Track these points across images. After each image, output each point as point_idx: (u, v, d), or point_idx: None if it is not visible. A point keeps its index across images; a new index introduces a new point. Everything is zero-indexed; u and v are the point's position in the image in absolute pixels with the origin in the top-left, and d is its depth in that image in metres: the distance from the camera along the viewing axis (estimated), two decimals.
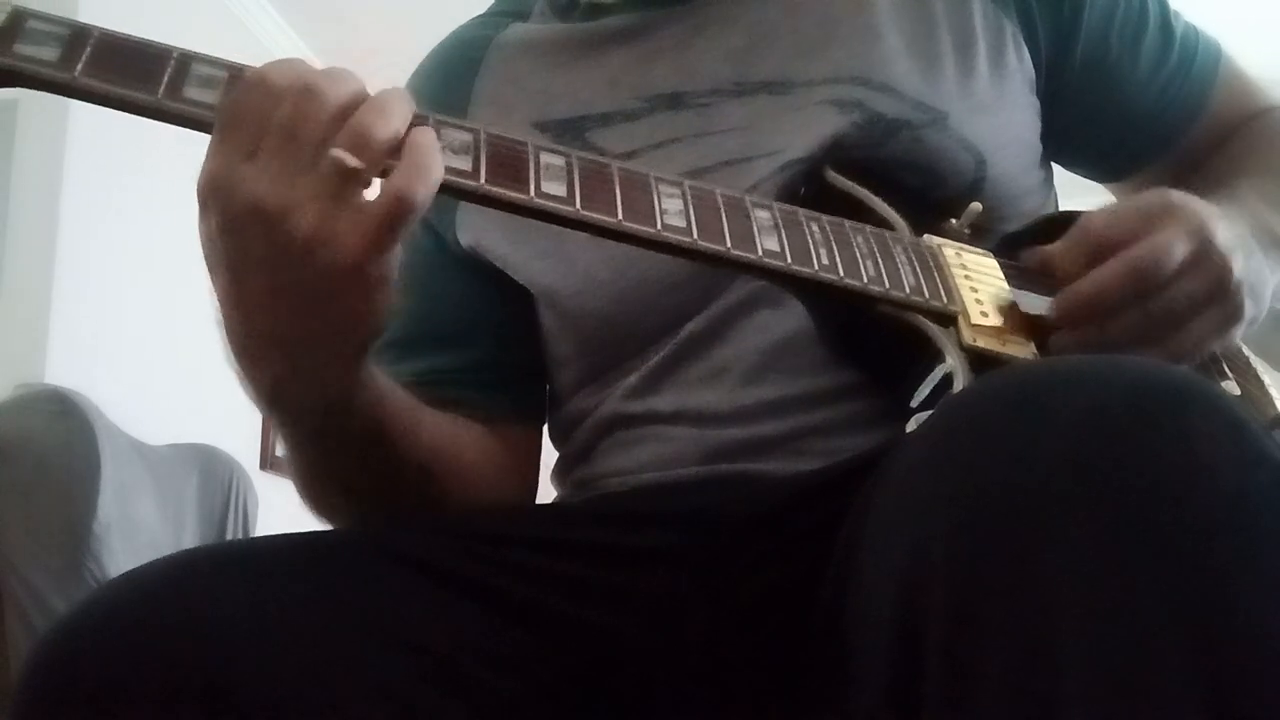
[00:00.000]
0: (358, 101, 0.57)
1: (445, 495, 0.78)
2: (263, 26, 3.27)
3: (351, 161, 0.55)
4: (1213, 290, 0.69)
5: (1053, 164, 0.91)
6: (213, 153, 0.57)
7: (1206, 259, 0.68)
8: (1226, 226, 0.70)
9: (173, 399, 2.65)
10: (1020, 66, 0.83)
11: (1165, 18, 0.89)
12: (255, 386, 0.64)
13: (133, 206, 2.67)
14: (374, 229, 0.56)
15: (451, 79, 0.88)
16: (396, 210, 0.56)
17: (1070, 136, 0.88)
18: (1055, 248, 0.71)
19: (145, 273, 2.69)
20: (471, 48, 0.90)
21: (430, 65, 0.91)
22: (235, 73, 0.59)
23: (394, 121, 0.57)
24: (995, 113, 0.81)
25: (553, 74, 0.86)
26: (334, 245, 0.56)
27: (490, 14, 0.94)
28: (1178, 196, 0.70)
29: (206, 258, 0.60)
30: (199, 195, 0.58)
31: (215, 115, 0.57)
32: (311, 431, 0.68)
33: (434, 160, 0.57)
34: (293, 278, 0.57)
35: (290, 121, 0.56)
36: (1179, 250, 0.67)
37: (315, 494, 0.76)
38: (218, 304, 0.61)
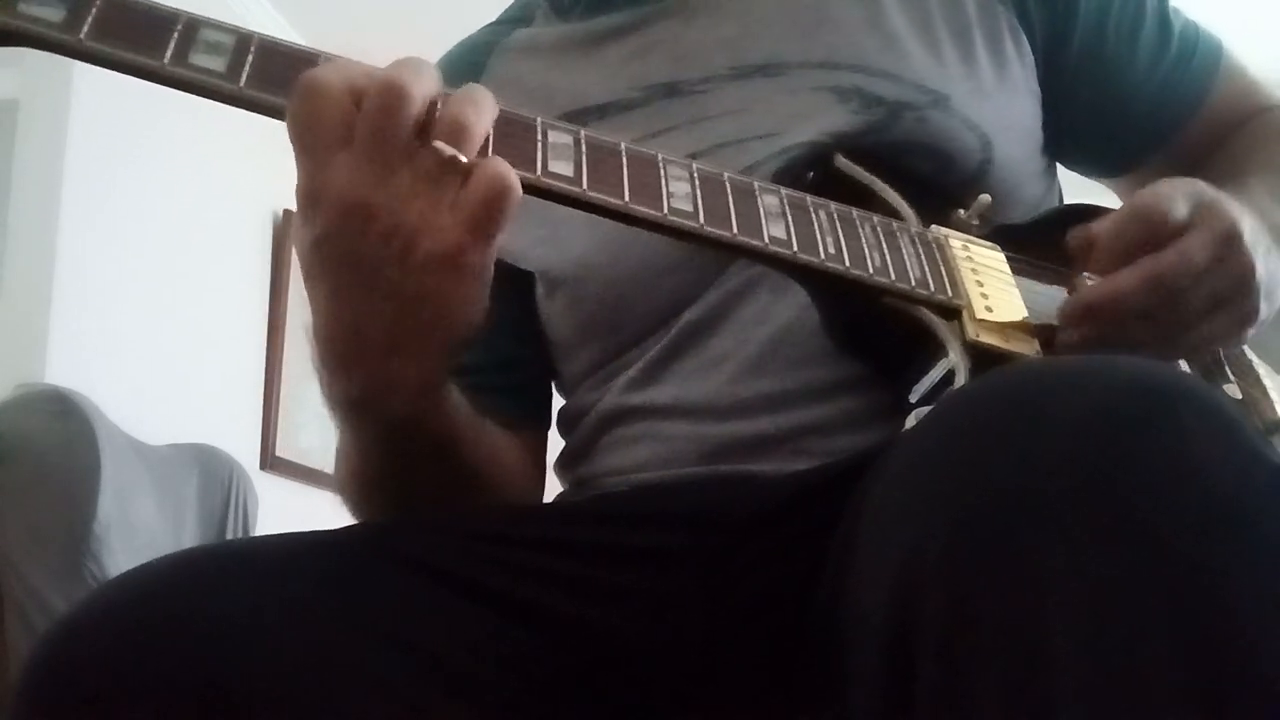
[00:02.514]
0: (438, 93, 0.59)
1: (491, 499, 0.79)
2: (261, 24, 3.27)
3: (450, 151, 0.57)
4: (1233, 291, 0.69)
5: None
6: (298, 165, 0.58)
7: (1230, 259, 0.68)
8: (1250, 221, 0.70)
9: (173, 399, 2.65)
10: (1018, 55, 0.84)
11: (1163, 11, 0.89)
12: (341, 393, 0.65)
13: (133, 206, 2.67)
14: (478, 214, 0.57)
15: (456, 85, 0.89)
16: (501, 190, 0.57)
17: (1069, 130, 0.88)
18: (1106, 226, 0.69)
19: (145, 273, 2.69)
20: (476, 53, 0.92)
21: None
22: (243, 39, 0.59)
23: (487, 111, 0.59)
24: (996, 96, 0.81)
25: (552, 73, 0.87)
26: (436, 236, 0.57)
27: (497, 22, 0.96)
28: (1203, 185, 0.70)
29: (306, 267, 0.61)
30: (298, 208, 0.59)
31: (287, 126, 0.57)
32: (389, 438, 0.69)
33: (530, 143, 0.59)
34: (392, 274, 0.58)
35: (376, 122, 0.56)
36: (1203, 255, 0.67)
37: (367, 496, 0.77)
38: (312, 314, 0.63)
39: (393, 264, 0.58)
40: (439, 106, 0.58)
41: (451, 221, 0.57)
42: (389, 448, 0.70)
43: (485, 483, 0.78)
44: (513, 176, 0.57)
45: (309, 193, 0.58)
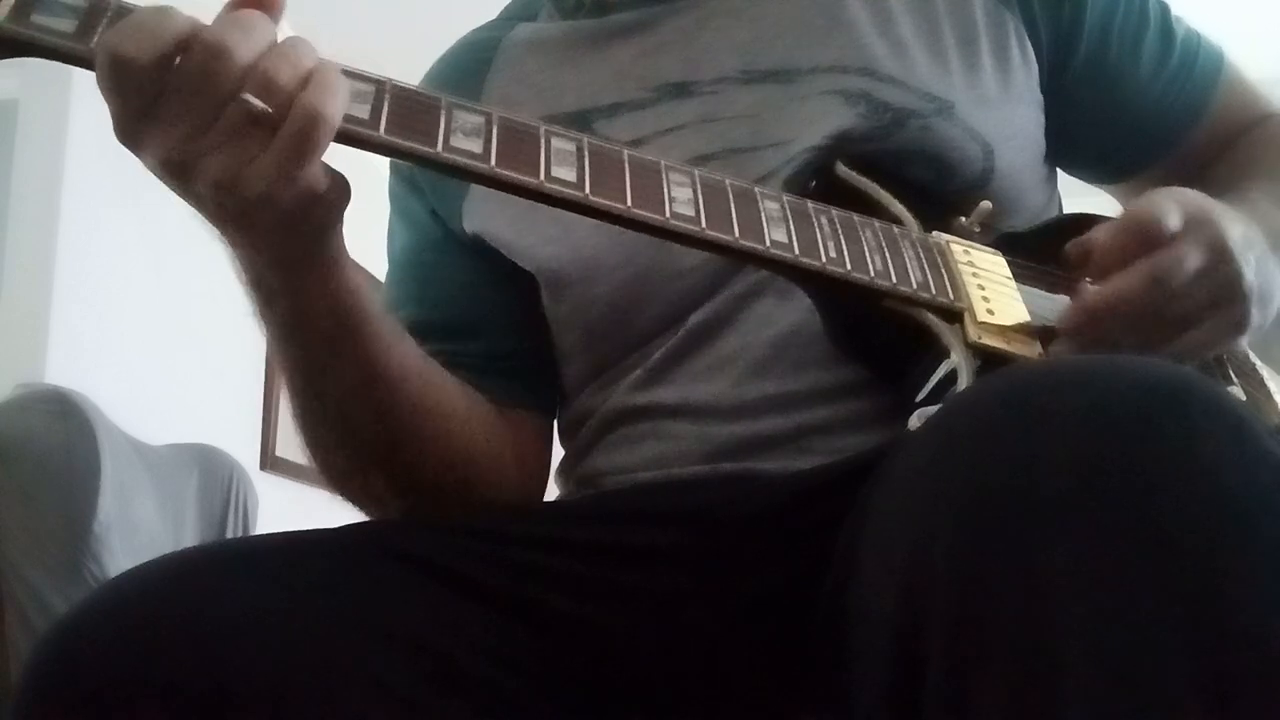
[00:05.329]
0: (264, 52, 0.56)
1: (427, 427, 0.76)
2: None
3: (259, 106, 0.55)
4: (1222, 297, 0.69)
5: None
6: (111, 109, 0.57)
7: (1221, 265, 0.68)
8: (1241, 230, 0.70)
9: (173, 399, 2.64)
10: (1024, 63, 0.84)
11: (1166, 20, 0.90)
12: (238, 264, 0.66)
13: (133, 206, 2.67)
14: (287, 154, 0.56)
15: (462, 80, 0.88)
16: (307, 128, 0.56)
17: (1072, 137, 0.88)
18: (1102, 236, 0.69)
19: (145, 272, 2.69)
20: (480, 49, 0.91)
21: (441, 68, 0.93)
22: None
23: (302, 64, 0.56)
24: (1000, 105, 0.81)
25: (560, 70, 0.87)
26: (242, 184, 0.56)
27: (499, 19, 0.96)
28: (1196, 195, 0.70)
29: None
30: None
31: (98, 60, 0.55)
32: (287, 320, 0.68)
33: (341, 81, 0.57)
34: (214, 211, 0.59)
35: (195, 82, 0.55)
36: (1195, 258, 0.67)
37: (309, 437, 0.77)
38: None
39: (209, 206, 0.59)
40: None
41: (258, 168, 0.56)
42: (287, 330, 0.69)
43: (409, 396, 0.74)
44: (328, 109, 0.56)
45: (122, 136, 0.57)
